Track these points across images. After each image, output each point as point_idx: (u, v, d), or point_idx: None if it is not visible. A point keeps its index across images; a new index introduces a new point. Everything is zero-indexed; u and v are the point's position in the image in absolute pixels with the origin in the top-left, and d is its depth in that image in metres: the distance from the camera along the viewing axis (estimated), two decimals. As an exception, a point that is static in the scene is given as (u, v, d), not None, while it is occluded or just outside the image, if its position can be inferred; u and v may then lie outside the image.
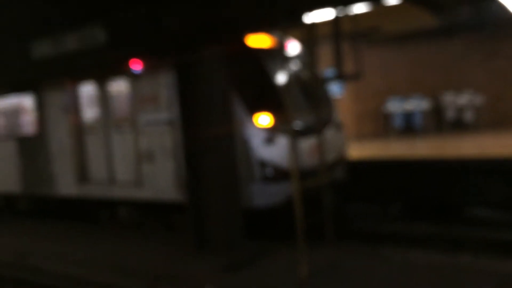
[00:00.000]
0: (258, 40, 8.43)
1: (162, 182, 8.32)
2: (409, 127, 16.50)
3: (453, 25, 14.04)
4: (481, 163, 9.70)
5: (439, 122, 16.42)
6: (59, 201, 10.45)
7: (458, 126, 15.97)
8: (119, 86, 9.08)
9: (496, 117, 15.61)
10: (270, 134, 7.67)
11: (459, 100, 15.95)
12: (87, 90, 9.67)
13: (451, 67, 16.21)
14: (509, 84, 15.48)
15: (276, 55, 8.58)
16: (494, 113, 15.64)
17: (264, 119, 7.78)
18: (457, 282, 5.10)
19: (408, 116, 16.44)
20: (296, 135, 6.05)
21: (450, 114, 16.09)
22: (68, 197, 10.04)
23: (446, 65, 16.28)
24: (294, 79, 8.66)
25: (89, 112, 9.74)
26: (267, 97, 8.15)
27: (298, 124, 7.65)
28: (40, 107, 10.36)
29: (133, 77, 8.67)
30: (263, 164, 7.53)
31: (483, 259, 7.22)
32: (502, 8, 12.34)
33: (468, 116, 15.86)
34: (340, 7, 7.20)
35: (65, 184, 9.99)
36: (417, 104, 16.28)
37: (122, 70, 8.75)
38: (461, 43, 15.96)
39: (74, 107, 9.77)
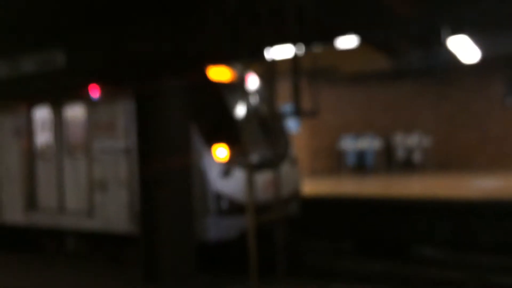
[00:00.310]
0: (219, 73, 8.54)
1: (115, 212, 8.14)
2: (361, 165, 16.93)
3: (406, 69, 14.70)
4: (428, 203, 10.05)
5: (389, 161, 16.95)
6: (6, 230, 10.00)
7: (407, 166, 16.53)
8: (75, 112, 8.92)
9: (443, 158, 16.29)
10: (227, 167, 7.70)
11: (409, 141, 16.56)
12: (41, 114, 9.45)
13: (402, 108, 16.90)
14: (455, 127, 16.26)
15: (236, 88, 8.70)
16: (441, 155, 16.33)
17: (221, 152, 7.81)
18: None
19: (360, 154, 16.89)
20: (252, 169, 6.10)
21: (399, 154, 16.65)
22: (15, 226, 9.64)
23: (398, 106, 16.96)
24: (252, 113, 8.78)
25: (42, 137, 9.49)
26: (225, 130, 8.21)
27: (254, 158, 7.72)
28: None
29: (90, 103, 8.55)
30: (218, 196, 7.52)
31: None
32: (451, 55, 13.05)
33: (417, 156, 16.46)
34: (299, 45, 7.42)
35: (12, 212, 9.61)
36: (369, 143, 16.78)
37: (79, 96, 8.63)
38: (412, 86, 16.71)
39: (26, 131, 9.50)
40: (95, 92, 8.43)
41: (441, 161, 16.32)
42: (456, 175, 14.11)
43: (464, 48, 12.64)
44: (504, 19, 10.63)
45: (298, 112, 6.96)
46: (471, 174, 14.15)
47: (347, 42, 11.54)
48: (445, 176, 14.10)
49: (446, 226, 9.95)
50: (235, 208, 7.49)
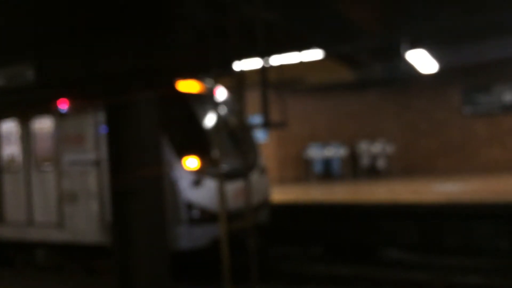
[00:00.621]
0: (188, 85, 8.69)
1: (85, 224, 8.14)
2: (328, 173, 17.30)
3: (369, 79, 15.16)
4: (393, 207, 10.40)
5: (355, 169, 17.38)
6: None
7: (372, 172, 16.99)
8: (43, 125, 8.90)
9: (406, 165, 16.83)
10: (198, 176, 7.82)
11: (373, 148, 17.03)
12: (8, 127, 9.37)
13: (366, 117, 17.40)
14: (417, 135, 16.83)
15: (205, 100, 8.86)
16: (404, 161, 16.87)
17: (191, 162, 7.94)
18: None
19: (327, 162, 17.26)
20: (223, 178, 6.26)
21: (364, 161, 17.10)
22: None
23: (362, 115, 17.45)
24: (221, 124, 8.94)
25: (8, 150, 9.40)
26: (195, 141, 8.35)
27: (224, 167, 7.87)
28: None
29: (59, 116, 8.55)
30: (190, 206, 7.63)
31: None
32: (411, 66, 13.58)
33: (381, 163, 16.95)
34: (266, 57, 7.62)
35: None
36: (335, 151, 17.16)
37: (48, 109, 8.62)
38: (375, 96, 17.24)
39: (-8, 144, 9.40)
40: (64, 105, 8.44)
41: (404, 167, 16.86)
42: (419, 181, 14.59)
43: (422, 61, 13.19)
44: (459, 33, 11.20)
45: (267, 124, 7.15)
46: (433, 179, 14.66)
47: (313, 54, 11.88)
48: (408, 182, 14.57)
49: (411, 229, 10.29)
50: (206, 217, 7.61)
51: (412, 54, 12.30)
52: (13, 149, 9.35)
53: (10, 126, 9.34)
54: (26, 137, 9.08)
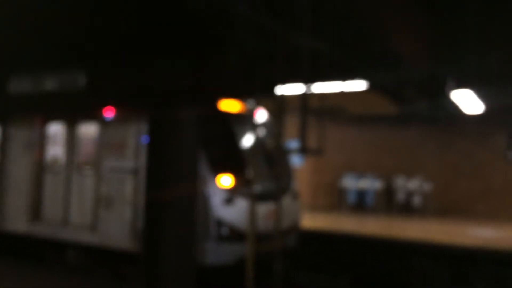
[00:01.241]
0: (229, 105, 8.85)
1: (117, 229, 8.33)
2: (361, 204, 17.09)
3: (411, 114, 15.02)
4: (426, 247, 10.18)
5: (389, 203, 17.10)
6: (8, 237, 10.18)
7: (407, 209, 16.67)
8: (88, 130, 9.22)
9: (442, 205, 16.44)
10: (230, 195, 7.91)
11: (410, 185, 16.74)
12: (55, 129, 9.75)
13: (405, 152, 17.16)
14: (457, 175, 16.46)
15: (245, 120, 9.00)
16: (441, 201, 16.49)
17: (226, 180, 8.04)
18: None
19: (361, 194, 17.07)
20: (255, 198, 6.31)
21: (400, 196, 16.81)
22: (17, 234, 9.82)
23: (401, 150, 17.23)
24: (259, 145, 9.04)
25: (53, 151, 9.77)
26: (231, 159, 8.46)
27: (258, 188, 7.94)
28: (3, 140, 10.31)
29: (104, 123, 8.85)
30: (219, 223, 7.71)
31: None
32: (456, 105, 13.39)
33: (417, 200, 16.62)
34: (309, 84, 7.72)
35: (15, 221, 9.80)
36: (371, 183, 16.97)
37: (94, 115, 8.94)
38: (417, 132, 17.01)
39: (38, 144, 9.78)
40: (109, 112, 8.73)
41: (441, 207, 16.47)
42: (455, 222, 14.23)
43: (467, 101, 12.99)
44: (507, 75, 11.00)
45: (304, 149, 7.21)
46: (471, 222, 14.27)
47: (356, 85, 11.89)
48: (444, 222, 14.23)
49: (442, 271, 10.05)
50: (235, 235, 7.66)
51: (458, 93, 12.14)
52: (57, 151, 9.70)
53: (57, 128, 9.72)
54: (71, 140, 9.42)
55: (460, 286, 9.81)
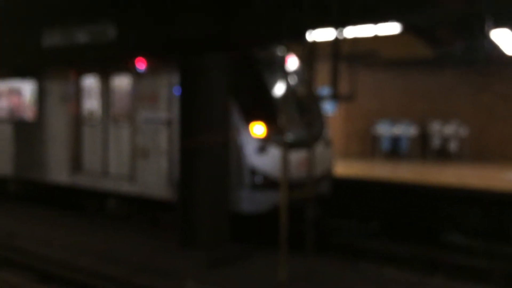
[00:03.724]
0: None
1: (154, 179, 8.59)
2: (395, 151, 16.94)
3: (446, 57, 14.53)
4: (460, 192, 10.12)
5: (424, 149, 16.89)
6: (51, 188, 10.65)
7: (442, 154, 16.45)
8: (121, 82, 9.35)
9: (479, 149, 16.13)
10: (263, 143, 7.99)
11: (445, 130, 16.44)
12: (89, 82, 9.93)
13: (440, 97, 16.74)
14: (493, 118, 16.03)
15: (276, 68, 8.93)
16: (477, 145, 16.17)
17: (258, 129, 8.10)
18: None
19: (395, 140, 16.88)
20: (287, 147, 6.37)
21: (435, 142, 16.56)
22: (60, 185, 10.25)
23: (436, 94, 16.80)
24: (290, 93, 8.98)
25: (89, 104, 9.99)
26: (264, 108, 8.48)
27: (290, 136, 7.98)
28: (40, 94, 10.58)
29: (136, 75, 8.95)
30: (253, 171, 7.84)
31: (455, 282, 7.56)
32: (494, 45, 12.86)
33: (453, 145, 16.36)
34: (340, 29, 7.53)
35: (58, 172, 10.20)
36: (405, 129, 16.74)
37: (126, 67, 9.04)
38: (452, 75, 16.50)
39: (74, 97, 10.01)
40: (141, 64, 8.81)
41: (477, 151, 16.17)
42: (491, 167, 14.02)
43: (506, 41, 12.44)
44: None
45: (335, 96, 7.14)
46: (507, 166, 14.02)
47: (389, 28, 11.52)
48: (479, 167, 14.03)
49: (476, 216, 10.02)
50: (268, 183, 7.80)
51: (496, 33, 11.63)
52: (93, 104, 9.92)
53: (91, 81, 9.90)
54: (105, 93, 9.60)
55: (493, 231, 9.78)
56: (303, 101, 8.76)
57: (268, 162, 7.89)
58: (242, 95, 8.27)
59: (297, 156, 7.98)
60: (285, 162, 6.08)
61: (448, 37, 13.00)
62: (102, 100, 9.65)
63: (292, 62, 9.42)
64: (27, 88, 11.07)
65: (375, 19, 11.15)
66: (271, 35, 7.70)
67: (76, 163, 9.95)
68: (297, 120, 8.62)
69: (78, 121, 10.02)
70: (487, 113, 16.10)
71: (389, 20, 11.17)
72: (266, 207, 7.75)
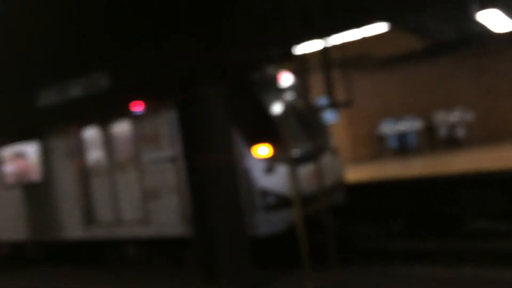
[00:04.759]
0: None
1: (168, 218, 8.54)
2: (403, 148, 16.81)
3: (439, 45, 14.51)
4: (477, 177, 9.96)
5: (432, 141, 16.74)
6: (67, 245, 10.62)
7: (451, 143, 16.29)
8: (121, 128, 9.39)
9: (488, 131, 15.96)
10: (270, 163, 7.95)
11: (451, 118, 16.31)
12: (90, 134, 9.98)
13: (441, 86, 16.66)
14: (498, 98, 15.89)
15: (271, 87, 8.95)
16: (485, 128, 16.00)
17: (263, 150, 8.07)
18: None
19: (401, 137, 16.77)
20: (295, 163, 6.32)
21: (442, 132, 16.43)
22: (75, 241, 10.22)
23: (436, 84, 16.73)
24: (289, 109, 8.99)
25: (93, 155, 10.03)
26: (265, 129, 8.47)
27: (296, 152, 7.94)
28: (45, 153, 10.64)
29: (134, 118, 8.99)
30: (264, 193, 7.78)
31: (486, 269, 7.39)
32: (484, 26, 12.83)
33: (460, 132, 16.20)
34: (325, 37, 7.56)
35: (72, 228, 10.18)
36: (410, 125, 16.64)
37: (123, 112, 9.09)
38: (448, 61, 16.44)
39: (78, 151, 10.06)
40: (138, 107, 8.86)
41: (486, 134, 15.99)
42: (503, 146, 13.83)
43: (495, 20, 12.41)
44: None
45: (332, 104, 7.12)
46: (519, 144, 13.84)
47: (376, 28, 11.55)
48: (491, 149, 13.85)
49: (497, 198, 9.84)
50: (281, 202, 7.73)
51: (484, 14, 11.61)
52: (97, 154, 9.95)
53: (92, 133, 9.95)
54: (108, 141, 9.63)
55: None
56: (303, 114, 8.75)
57: (277, 181, 7.84)
58: (242, 119, 8.27)
59: (305, 170, 7.94)
60: (294, 178, 6.02)
61: (437, 26, 13.01)
62: (106, 149, 9.68)
63: (286, 78, 9.44)
64: (31, 150, 11.15)
65: (361, 22, 11.22)
66: (260, 55, 7.74)
67: (89, 216, 9.94)
68: (300, 134, 8.59)
69: (85, 173, 10.04)
70: (491, 94, 15.96)
71: (375, 21, 11.23)
72: (282, 226, 7.67)
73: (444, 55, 16.17)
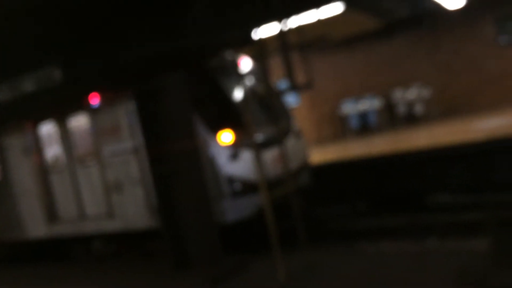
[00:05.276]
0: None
1: (133, 210, 8.40)
2: (365, 127, 17.08)
3: (394, 24, 14.71)
4: (436, 151, 10.21)
5: (392, 118, 17.07)
6: (31, 244, 10.34)
7: (410, 119, 16.65)
8: (79, 122, 9.14)
9: (445, 106, 16.38)
10: (234, 150, 7.90)
11: (408, 95, 16.65)
12: (47, 129, 9.67)
13: (398, 64, 16.93)
14: (453, 74, 16.30)
15: (231, 73, 8.86)
16: (442, 103, 16.41)
17: (226, 136, 8.01)
18: (425, 264, 5.44)
19: (362, 116, 17.03)
20: (259, 148, 6.30)
21: (401, 109, 16.76)
22: (39, 239, 9.95)
23: (393, 63, 16.99)
24: (250, 94, 8.94)
25: (52, 151, 9.73)
26: (227, 115, 8.41)
27: (259, 137, 7.92)
28: (1, 152, 10.26)
29: (92, 111, 8.76)
30: (230, 179, 7.75)
31: (449, 241, 7.61)
32: (437, 4, 13.07)
33: (419, 109, 16.57)
34: (283, 21, 7.51)
35: (34, 227, 9.90)
36: (370, 104, 16.90)
37: (80, 106, 8.84)
38: (404, 40, 16.71)
39: (35, 148, 9.74)
40: (95, 100, 8.62)
41: (443, 109, 16.40)
42: (460, 121, 14.22)
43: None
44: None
45: (293, 87, 7.11)
46: (475, 117, 14.25)
47: (332, 9, 11.58)
48: (449, 123, 14.23)
49: (457, 171, 10.11)
50: (248, 188, 7.71)
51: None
52: (55, 150, 9.66)
53: (49, 128, 9.64)
54: (65, 136, 9.36)
55: (479, 182, 9.88)
56: (265, 99, 8.71)
57: (243, 167, 7.81)
58: (204, 106, 8.19)
59: (270, 155, 7.93)
60: (259, 163, 6.00)
61: (392, 5, 13.17)
62: (64, 144, 9.41)
63: (246, 63, 9.37)
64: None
65: (317, 3, 11.21)
66: (218, 41, 7.63)
67: (51, 213, 9.67)
68: (263, 119, 8.56)
69: (44, 170, 9.75)
70: (446, 70, 16.35)
71: (330, 1, 11.24)
72: (250, 212, 7.67)
73: (400, 34, 16.42)
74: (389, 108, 17.06)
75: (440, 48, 16.43)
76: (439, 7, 13.45)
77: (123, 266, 8.46)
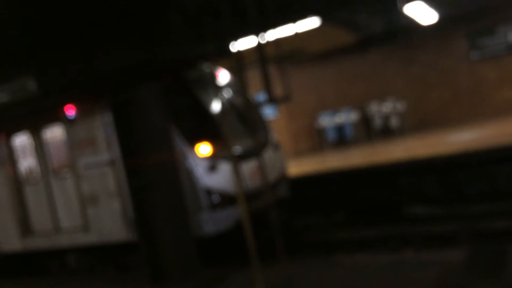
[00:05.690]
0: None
1: (109, 223, 8.29)
2: (341, 139, 17.28)
3: (370, 38, 14.97)
4: (410, 164, 10.37)
5: (368, 131, 17.32)
6: (5, 257, 10.08)
7: (386, 132, 16.91)
8: (54, 133, 9.01)
9: (419, 120, 16.71)
10: (212, 162, 7.87)
11: (384, 108, 16.93)
12: (21, 141, 9.51)
13: (373, 78, 17.25)
14: (427, 87, 16.66)
15: (209, 85, 8.86)
16: (417, 117, 16.74)
17: (204, 148, 7.99)
18: (401, 275, 5.50)
19: (339, 129, 17.23)
20: (237, 160, 6.29)
21: (377, 122, 17.03)
22: (12, 253, 9.72)
23: (368, 77, 17.31)
24: (228, 106, 8.96)
25: (26, 163, 9.56)
26: (205, 127, 8.38)
27: (238, 149, 7.92)
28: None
29: (68, 122, 8.64)
30: (208, 192, 7.71)
31: (425, 252, 7.69)
32: (410, 19, 13.37)
33: (394, 122, 16.85)
34: (261, 34, 7.57)
35: (7, 240, 9.68)
36: (347, 117, 17.11)
37: (55, 117, 8.72)
38: (378, 54, 17.05)
39: (9, 160, 9.55)
40: (70, 111, 8.52)
41: (417, 122, 16.74)
42: (434, 134, 14.50)
43: (421, 12, 12.98)
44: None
45: (271, 100, 7.15)
46: (448, 130, 14.55)
47: (308, 23, 11.74)
48: (423, 136, 14.49)
49: (432, 183, 10.27)
50: (226, 200, 7.69)
51: (410, 7, 12.10)
52: (30, 161, 9.49)
53: (23, 139, 9.47)
54: (40, 148, 9.21)
55: (452, 194, 10.07)
56: (242, 111, 8.74)
57: (221, 179, 7.79)
58: (182, 118, 8.15)
59: (249, 167, 7.93)
60: (237, 175, 6.00)
61: (366, 20, 13.41)
62: (38, 156, 9.25)
63: (224, 76, 9.39)
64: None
65: (294, 18, 11.35)
66: (195, 52, 7.64)
67: (25, 226, 9.47)
68: (241, 131, 8.57)
69: (18, 182, 9.55)
70: (420, 84, 16.72)
71: (306, 16, 11.40)
72: (228, 224, 7.64)
73: (375, 49, 16.74)
74: (365, 121, 17.32)
75: (414, 63, 16.81)
76: (413, 23, 13.76)
77: (98, 280, 8.31)
